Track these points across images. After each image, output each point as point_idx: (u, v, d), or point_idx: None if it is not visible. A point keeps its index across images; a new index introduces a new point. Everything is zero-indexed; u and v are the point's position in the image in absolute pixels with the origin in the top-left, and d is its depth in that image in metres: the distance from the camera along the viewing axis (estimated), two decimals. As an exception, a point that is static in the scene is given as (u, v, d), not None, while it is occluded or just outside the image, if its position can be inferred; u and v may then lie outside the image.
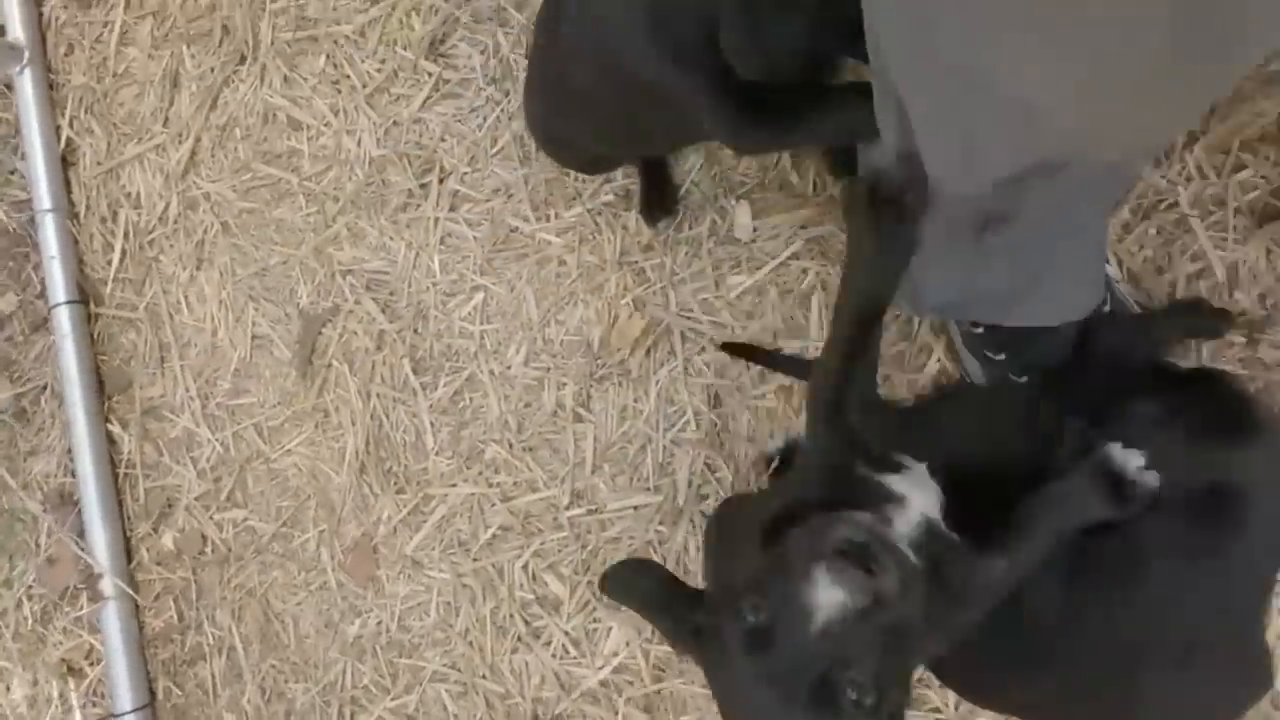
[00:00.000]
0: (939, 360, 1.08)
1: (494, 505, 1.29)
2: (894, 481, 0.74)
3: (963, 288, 0.82)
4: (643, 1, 0.87)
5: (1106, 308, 0.91)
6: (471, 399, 1.32)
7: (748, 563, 0.71)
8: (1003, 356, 0.95)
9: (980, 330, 0.96)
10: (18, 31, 1.60)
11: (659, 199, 1.18)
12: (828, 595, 0.59)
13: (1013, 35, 0.51)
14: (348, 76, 1.39)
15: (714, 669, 0.69)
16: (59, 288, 1.56)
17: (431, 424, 1.33)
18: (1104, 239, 0.92)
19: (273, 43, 1.45)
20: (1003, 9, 0.50)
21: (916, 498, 0.73)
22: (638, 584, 0.76)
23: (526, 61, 1.17)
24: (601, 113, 0.99)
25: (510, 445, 1.29)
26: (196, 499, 1.50)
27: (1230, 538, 0.75)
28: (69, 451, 1.56)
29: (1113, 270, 0.99)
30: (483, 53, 1.32)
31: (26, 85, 1.59)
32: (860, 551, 0.60)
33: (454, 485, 1.31)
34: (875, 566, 0.59)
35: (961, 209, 0.70)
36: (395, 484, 1.36)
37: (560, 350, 1.27)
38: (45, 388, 1.62)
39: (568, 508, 1.24)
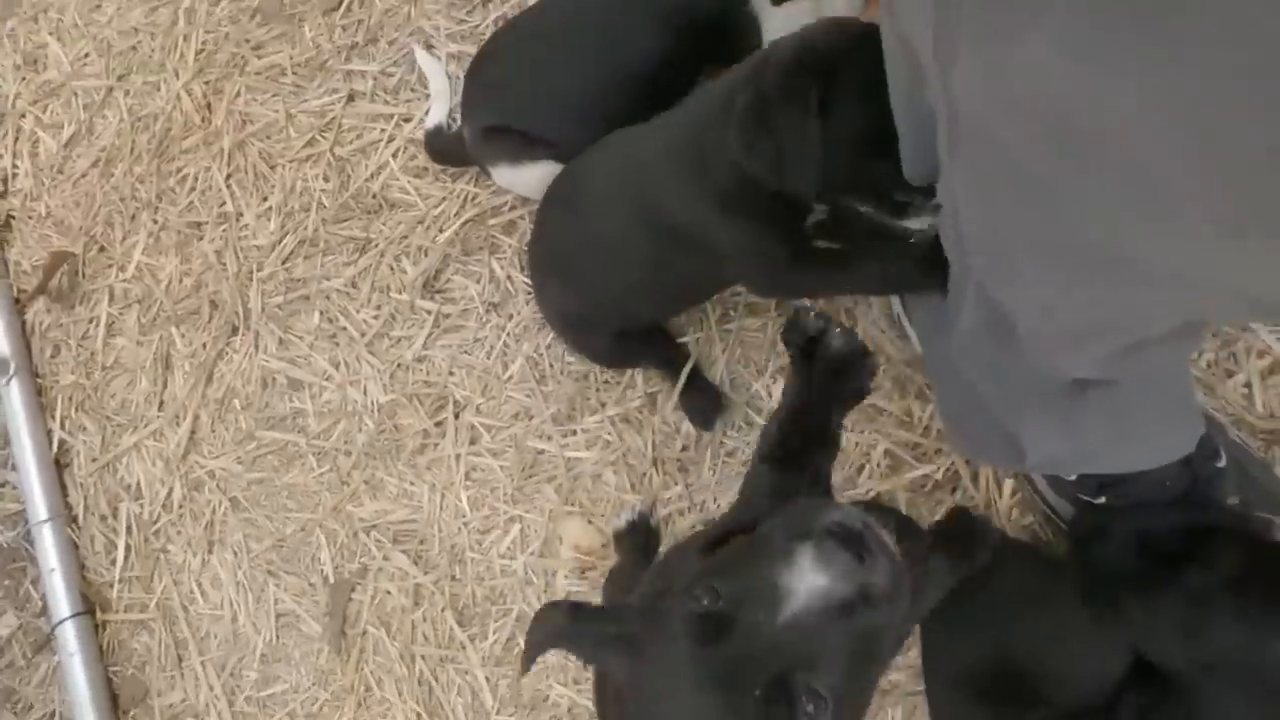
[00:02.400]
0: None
1: (573, 761, 1.14)
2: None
3: (1063, 443, 0.76)
4: (684, 143, 0.87)
5: (1203, 429, 0.85)
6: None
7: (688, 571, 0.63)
8: (1103, 499, 0.89)
9: (1073, 477, 0.90)
10: (2, 343, 1.58)
11: (703, 399, 1.13)
12: (809, 580, 0.51)
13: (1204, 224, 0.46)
14: (345, 329, 1.37)
15: (642, 669, 0.59)
16: (61, 602, 1.45)
17: (487, 679, 1.21)
18: (1187, 366, 0.88)
19: (263, 309, 1.43)
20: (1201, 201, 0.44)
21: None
22: (541, 630, 0.64)
23: (532, 258, 1.17)
24: (632, 264, 1.00)
25: (578, 684, 1.17)
26: (234, 814, 1.33)
27: None
28: (85, 786, 1.39)
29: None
30: (478, 282, 1.31)
31: (14, 395, 1.55)
32: (854, 538, 0.52)
33: (523, 744, 1.17)
34: (868, 557, 0.52)
35: (1058, 378, 0.66)
36: (457, 755, 1.21)
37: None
38: (53, 715, 1.47)
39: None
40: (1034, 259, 0.56)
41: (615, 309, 1.08)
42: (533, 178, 1.17)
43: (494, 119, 1.17)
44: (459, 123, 1.26)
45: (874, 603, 0.51)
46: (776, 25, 1.07)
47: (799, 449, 0.74)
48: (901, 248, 0.84)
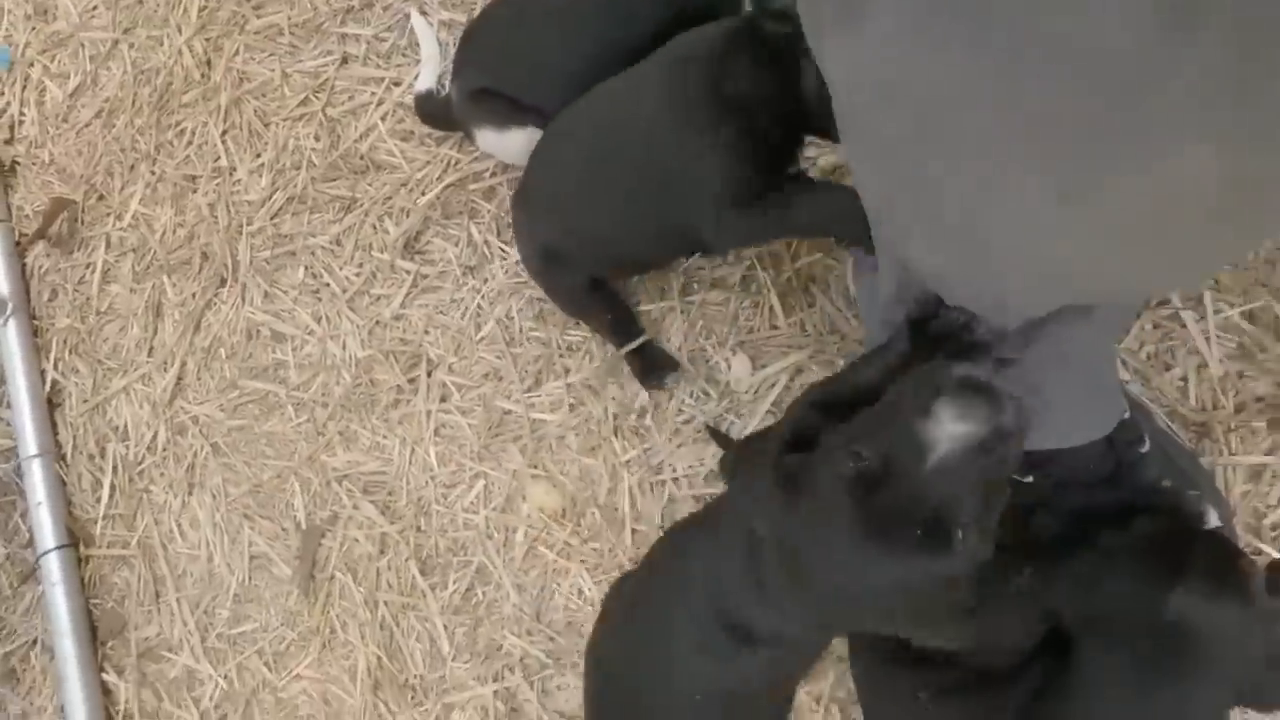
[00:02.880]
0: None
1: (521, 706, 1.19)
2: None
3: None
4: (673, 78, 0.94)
5: (1126, 414, 0.88)
6: (484, 593, 1.25)
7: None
8: (1031, 478, 0.92)
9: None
10: (2, 284, 1.63)
11: (654, 360, 1.17)
12: (950, 429, 0.58)
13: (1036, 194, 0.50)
14: (328, 285, 1.42)
15: (796, 522, 0.66)
16: (47, 535, 1.51)
17: (445, 626, 1.26)
18: (1114, 351, 0.91)
19: (251, 262, 1.48)
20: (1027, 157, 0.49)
21: None
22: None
23: (520, 194, 1.20)
24: (615, 197, 1.03)
25: (530, 635, 1.21)
26: (201, 744, 1.39)
27: (1177, 677, 0.74)
28: (61, 710, 1.45)
29: (1121, 373, 0.97)
30: (457, 245, 1.34)
31: (11, 335, 1.61)
32: (982, 387, 0.59)
33: (474, 690, 1.22)
34: (994, 401, 0.58)
35: None
36: (413, 697, 1.26)
37: (577, 530, 1.22)
38: (35, 642, 1.53)
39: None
40: (919, 234, 0.59)
41: (591, 248, 1.11)
42: (516, 144, 1.20)
43: (484, 82, 1.19)
44: (448, 88, 1.29)
45: (1007, 442, 0.58)
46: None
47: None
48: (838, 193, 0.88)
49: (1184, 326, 0.98)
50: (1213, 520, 0.85)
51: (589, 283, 1.15)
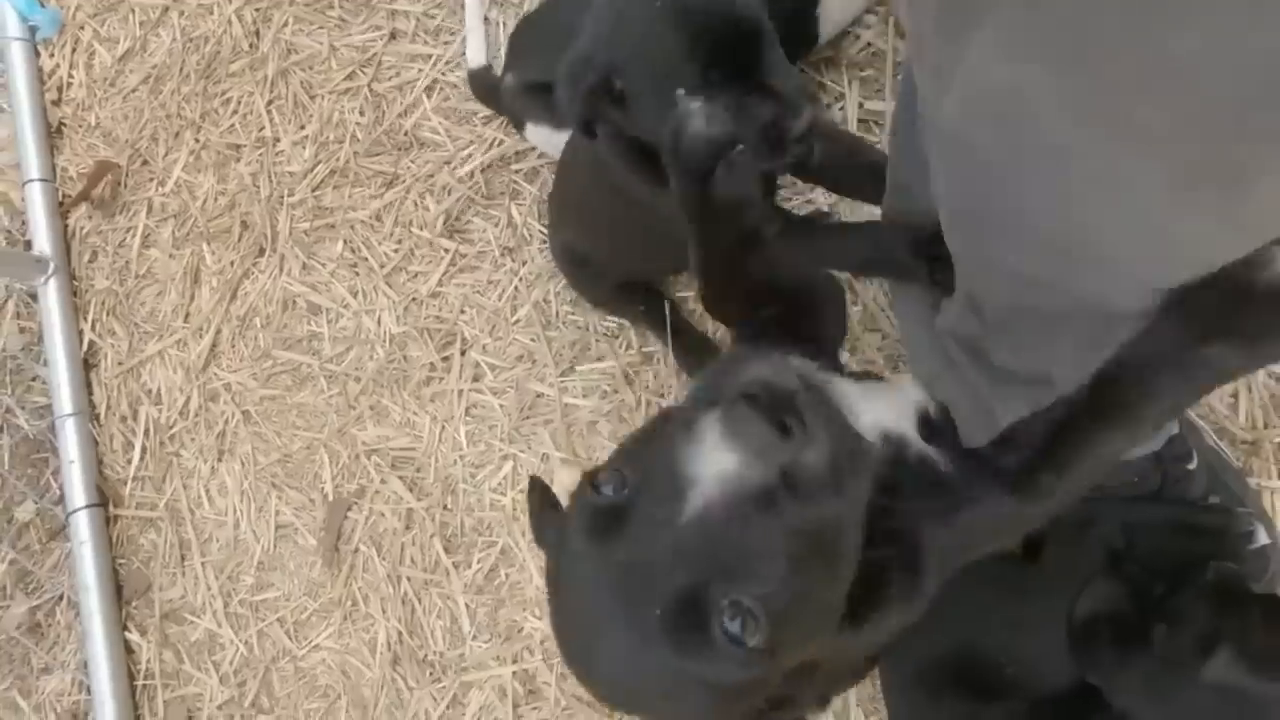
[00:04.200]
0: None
1: (537, 688, 1.19)
2: (846, 388, 0.58)
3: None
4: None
5: (1175, 430, 0.86)
6: (507, 574, 1.25)
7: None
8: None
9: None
10: (44, 244, 1.65)
11: (693, 347, 1.16)
12: (714, 461, 0.40)
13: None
14: (365, 259, 1.42)
15: (552, 568, 0.51)
16: (78, 493, 1.53)
17: (467, 605, 1.26)
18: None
19: (290, 233, 1.48)
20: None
21: (878, 409, 0.57)
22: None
23: (551, 197, 1.20)
24: (603, 223, 1.00)
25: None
26: (219, 708, 1.40)
27: None
28: (84, 665, 1.47)
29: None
30: (497, 225, 1.34)
31: (51, 294, 1.63)
32: (778, 401, 0.40)
33: (493, 670, 1.22)
34: (795, 424, 0.39)
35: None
36: (431, 674, 1.27)
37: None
38: (61, 598, 1.55)
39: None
40: (1012, 243, 0.56)
41: (609, 258, 1.11)
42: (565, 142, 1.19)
43: (538, 74, 1.17)
44: (503, 77, 1.27)
45: (805, 487, 0.40)
46: (834, 5, 1.09)
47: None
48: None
49: (1238, 342, 0.96)
50: (1261, 539, 0.83)
51: (616, 286, 1.15)
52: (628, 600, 0.43)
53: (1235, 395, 0.96)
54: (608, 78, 0.75)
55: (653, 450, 0.45)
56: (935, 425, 0.58)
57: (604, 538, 0.44)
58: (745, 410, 0.40)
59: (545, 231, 1.31)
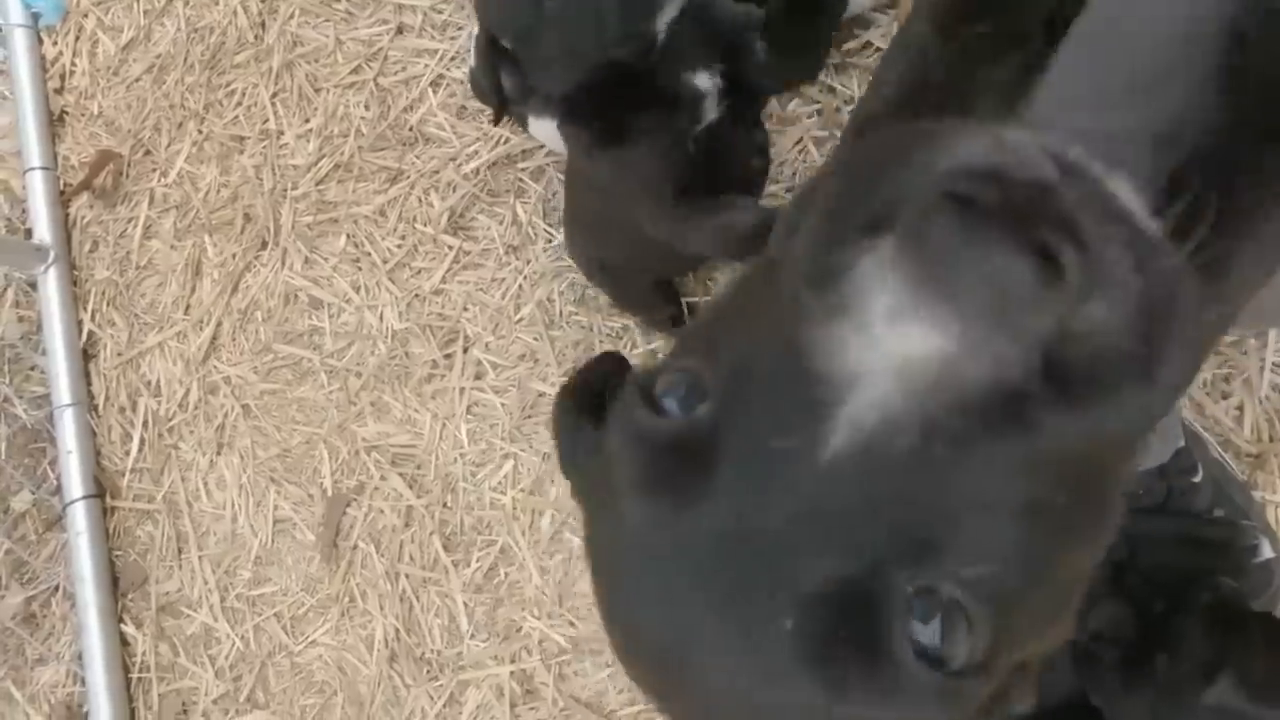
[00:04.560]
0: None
1: (536, 689, 1.19)
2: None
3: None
4: None
5: (1181, 442, 0.86)
6: (506, 573, 1.25)
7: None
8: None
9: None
10: (44, 233, 1.64)
11: None
12: (886, 344, 0.22)
13: None
14: (369, 254, 1.41)
15: (589, 530, 0.33)
16: (75, 483, 1.52)
17: (465, 604, 1.26)
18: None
19: (293, 227, 1.47)
20: None
21: None
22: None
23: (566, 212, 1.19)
24: (620, 229, 1.00)
25: (551, 618, 1.21)
26: (214, 702, 1.39)
27: None
28: (79, 658, 1.47)
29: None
30: (501, 223, 1.34)
31: (50, 283, 1.62)
32: (1028, 205, 0.21)
33: (490, 669, 1.22)
34: (1067, 249, 0.20)
35: None
36: (428, 672, 1.26)
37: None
38: (57, 589, 1.54)
39: (620, 692, 1.15)
40: None
41: (627, 260, 1.11)
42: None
43: None
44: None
45: (1082, 383, 0.21)
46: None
47: None
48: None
49: (1245, 354, 0.96)
50: (1266, 552, 0.83)
51: (652, 285, 1.15)
52: (730, 603, 0.25)
53: (1241, 408, 0.96)
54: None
55: (757, 326, 0.26)
56: None
57: (674, 492, 0.26)
58: (962, 227, 0.20)
59: (550, 230, 1.31)
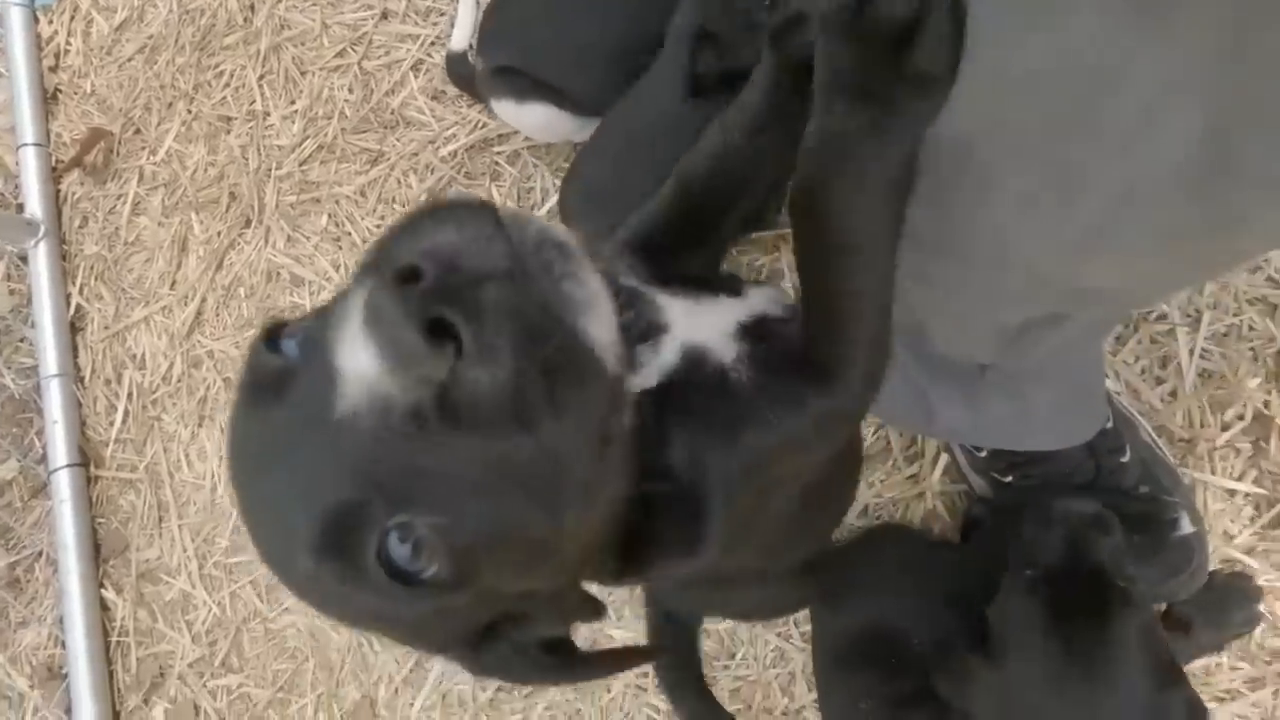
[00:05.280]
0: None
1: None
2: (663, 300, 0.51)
3: (968, 415, 0.82)
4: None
5: (1109, 424, 0.90)
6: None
7: None
8: (1010, 479, 0.94)
9: (984, 453, 0.95)
10: (36, 208, 1.68)
11: None
12: (352, 356, 0.33)
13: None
14: (349, 234, 1.45)
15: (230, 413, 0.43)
16: (60, 452, 1.56)
17: (433, 574, 1.29)
18: (1101, 360, 0.92)
19: (277, 206, 1.51)
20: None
21: (696, 325, 0.50)
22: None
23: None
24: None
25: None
26: (190, 665, 1.43)
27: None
28: (60, 621, 1.51)
29: (1111, 384, 0.99)
30: (477, 205, 1.37)
31: (40, 257, 1.66)
32: (451, 290, 0.31)
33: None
34: (465, 328, 0.31)
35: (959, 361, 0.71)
36: (396, 639, 1.30)
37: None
38: (40, 554, 1.58)
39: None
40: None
41: None
42: (534, 118, 1.21)
43: (506, 59, 1.19)
44: (474, 59, 1.30)
45: (464, 418, 0.32)
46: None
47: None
48: None
49: (1176, 341, 0.99)
50: (1185, 527, 0.87)
51: None
52: (280, 496, 0.37)
53: (1174, 394, 1.00)
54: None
55: (331, 309, 0.36)
56: (756, 330, 0.51)
57: (260, 402, 0.38)
58: (389, 299, 0.31)
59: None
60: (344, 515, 0.35)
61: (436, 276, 0.31)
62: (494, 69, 1.19)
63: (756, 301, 0.54)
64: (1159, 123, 0.40)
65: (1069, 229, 0.46)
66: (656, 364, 0.48)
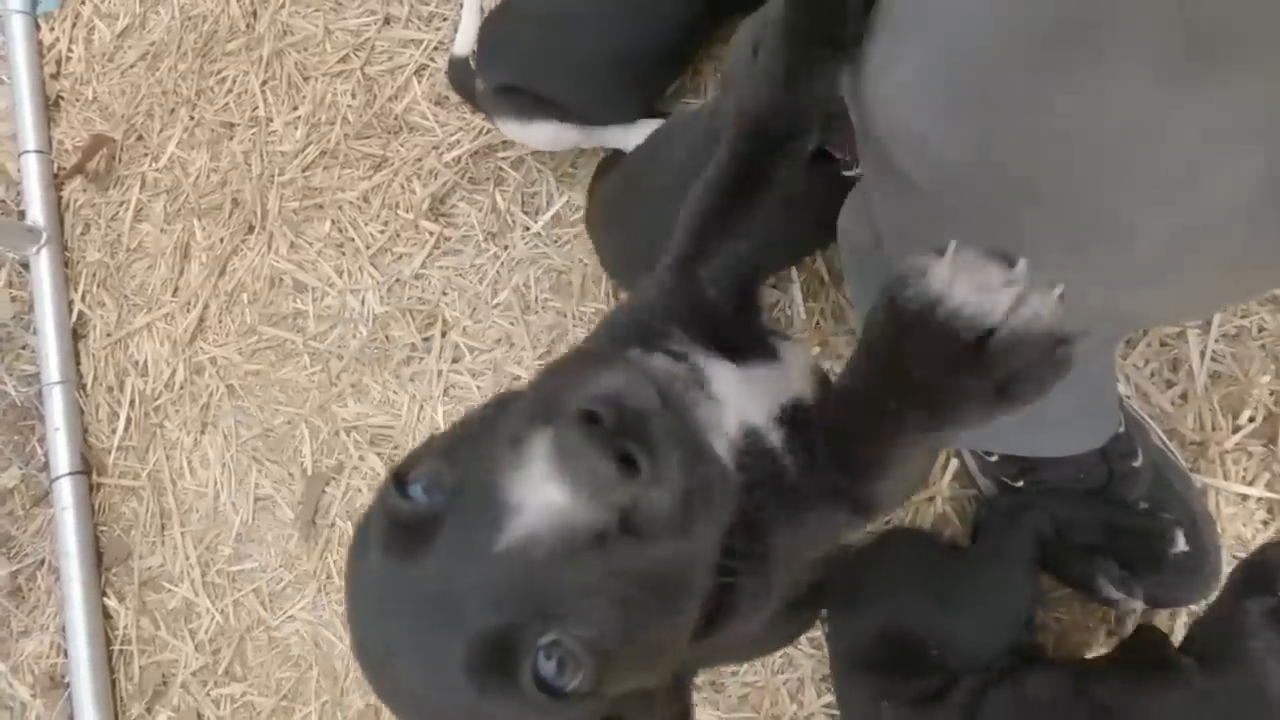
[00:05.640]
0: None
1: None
2: (722, 374, 0.54)
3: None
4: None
5: (1121, 428, 0.89)
6: (479, 552, 1.28)
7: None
8: (1021, 484, 0.93)
9: (995, 458, 0.94)
10: (38, 215, 1.67)
11: None
12: (539, 492, 0.35)
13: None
14: (352, 239, 1.44)
15: (348, 567, 0.44)
16: (62, 460, 1.55)
17: (438, 581, 1.29)
18: (1113, 366, 0.92)
19: (280, 211, 1.51)
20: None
21: (748, 400, 0.53)
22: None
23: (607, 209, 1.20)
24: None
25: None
26: (193, 674, 1.43)
27: None
28: (62, 630, 1.50)
29: (1122, 387, 0.98)
30: (481, 211, 1.37)
31: (43, 264, 1.65)
32: (626, 425, 0.35)
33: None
34: (641, 457, 0.34)
35: None
36: (401, 647, 1.29)
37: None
38: (42, 563, 1.58)
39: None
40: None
41: None
42: (539, 136, 1.21)
43: (507, 78, 1.18)
44: (476, 73, 1.29)
45: (646, 535, 0.35)
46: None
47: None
48: None
49: (1187, 343, 0.99)
50: (1179, 545, 0.86)
51: None
52: (424, 631, 0.38)
53: (1185, 397, 0.99)
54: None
55: (477, 453, 0.38)
56: (795, 417, 0.54)
57: (405, 553, 0.38)
58: (581, 437, 0.34)
59: (527, 218, 1.34)
60: (500, 639, 0.37)
61: (613, 417, 0.35)
62: (496, 88, 1.19)
63: (793, 375, 0.58)
64: (1209, 170, 0.39)
65: (1120, 269, 0.46)
66: (726, 446, 0.51)
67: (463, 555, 0.37)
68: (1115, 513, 0.90)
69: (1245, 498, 0.95)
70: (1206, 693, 0.72)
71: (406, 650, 0.40)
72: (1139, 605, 0.89)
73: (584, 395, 0.35)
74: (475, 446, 0.39)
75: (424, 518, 0.39)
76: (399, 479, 0.41)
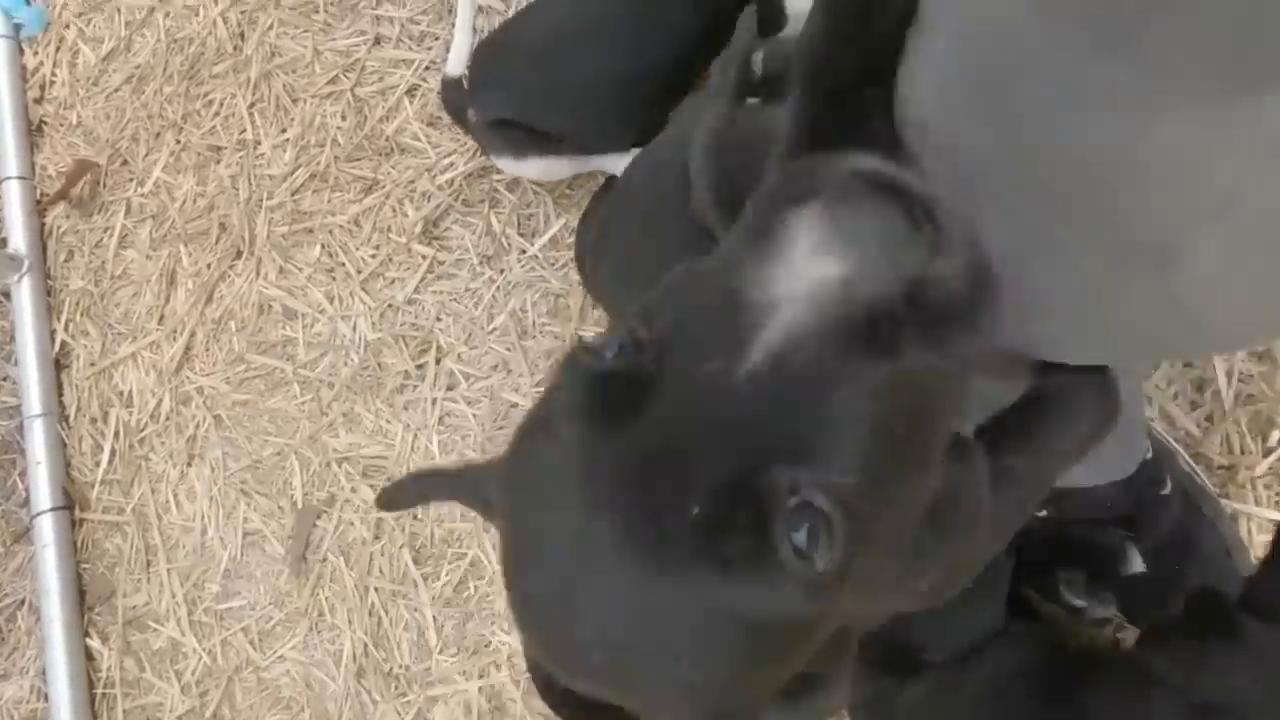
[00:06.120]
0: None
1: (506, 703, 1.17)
2: None
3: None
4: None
5: (1149, 454, 0.85)
6: (476, 587, 1.23)
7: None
8: (1045, 513, 0.89)
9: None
10: (19, 242, 1.63)
11: None
12: (803, 272, 0.27)
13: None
14: (343, 264, 1.40)
15: (508, 475, 0.35)
16: (43, 495, 1.50)
17: (434, 618, 1.24)
18: (1140, 393, 0.88)
19: (268, 236, 1.47)
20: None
21: None
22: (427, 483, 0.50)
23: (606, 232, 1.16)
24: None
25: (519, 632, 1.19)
26: (180, 718, 1.37)
27: None
28: (43, 673, 1.44)
29: (1145, 411, 0.95)
30: (475, 233, 1.33)
31: (24, 293, 1.60)
32: (901, 191, 0.28)
33: (459, 685, 1.20)
34: (925, 221, 0.28)
35: None
36: (396, 687, 1.24)
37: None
38: (22, 602, 1.52)
39: (587, 707, 1.12)
40: None
41: None
42: (534, 170, 1.18)
43: (500, 112, 1.15)
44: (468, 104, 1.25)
45: (932, 314, 0.27)
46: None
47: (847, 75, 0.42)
48: None
49: (1214, 365, 0.95)
50: (1135, 565, 0.84)
51: None
52: (645, 499, 0.28)
53: (1210, 419, 0.96)
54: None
55: (692, 292, 0.31)
56: None
57: (611, 420, 0.29)
58: (863, 190, 0.27)
59: (524, 240, 1.30)
60: (740, 488, 0.27)
61: (887, 184, 0.28)
62: (489, 122, 1.15)
63: None
64: (1258, 188, 0.36)
65: (1167, 289, 0.42)
66: None
67: (690, 402, 0.28)
68: (1066, 531, 0.88)
69: (1278, 523, 0.91)
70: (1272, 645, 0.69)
71: (607, 540, 0.29)
72: (1106, 612, 0.86)
73: (846, 169, 0.28)
74: (678, 296, 0.31)
75: (628, 375, 0.29)
76: (587, 349, 0.31)
